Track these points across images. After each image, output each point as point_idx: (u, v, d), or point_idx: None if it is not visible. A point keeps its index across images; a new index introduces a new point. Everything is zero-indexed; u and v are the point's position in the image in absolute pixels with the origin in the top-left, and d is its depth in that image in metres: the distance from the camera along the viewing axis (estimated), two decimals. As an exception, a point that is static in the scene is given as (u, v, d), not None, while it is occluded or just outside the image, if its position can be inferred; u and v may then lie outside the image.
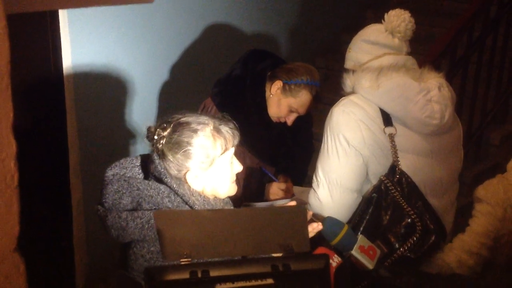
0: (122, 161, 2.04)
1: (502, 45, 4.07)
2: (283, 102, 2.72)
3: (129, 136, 3.53)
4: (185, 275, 1.09)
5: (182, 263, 1.18)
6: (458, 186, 2.51)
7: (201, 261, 1.23)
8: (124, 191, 1.94)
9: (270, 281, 1.10)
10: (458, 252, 2.33)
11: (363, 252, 2.10)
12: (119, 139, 3.55)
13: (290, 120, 2.77)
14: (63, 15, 3.12)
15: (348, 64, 2.40)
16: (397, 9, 2.34)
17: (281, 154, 2.92)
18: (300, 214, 1.19)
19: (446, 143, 2.37)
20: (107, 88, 3.48)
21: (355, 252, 2.09)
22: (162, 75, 3.72)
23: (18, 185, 0.60)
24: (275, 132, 2.84)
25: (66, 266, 3.47)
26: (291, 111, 2.74)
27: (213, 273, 1.10)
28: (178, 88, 3.78)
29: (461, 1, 4.87)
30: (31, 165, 3.14)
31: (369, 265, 2.11)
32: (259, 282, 1.09)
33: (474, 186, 2.48)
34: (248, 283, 1.10)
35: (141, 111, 3.59)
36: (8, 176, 0.58)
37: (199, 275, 1.09)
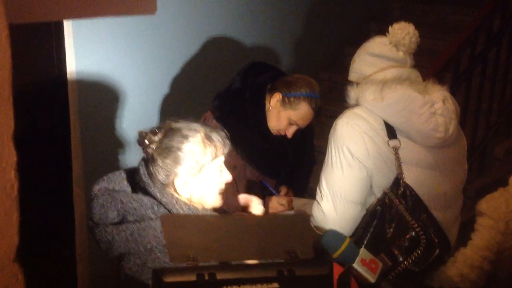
0: (110, 175, 2.07)
1: (505, 58, 4.07)
2: (282, 115, 2.71)
3: (133, 146, 3.53)
4: (192, 277, 1.11)
5: (188, 266, 1.20)
6: (462, 199, 2.50)
7: (207, 264, 1.24)
8: (109, 205, 1.95)
9: (275, 285, 1.11)
10: (460, 266, 2.32)
11: (365, 265, 2.09)
12: (123, 150, 3.55)
13: (289, 132, 2.76)
14: (68, 24, 3.14)
15: (352, 76, 2.40)
16: (401, 22, 2.34)
17: (281, 166, 2.91)
18: (303, 221, 1.21)
19: (451, 156, 2.37)
20: (111, 98, 3.49)
21: (356, 265, 2.08)
22: (165, 85, 3.73)
23: (18, 195, 0.60)
24: (275, 145, 2.84)
25: (69, 278, 3.46)
26: (290, 123, 2.73)
27: (220, 276, 1.12)
28: (181, 98, 3.79)
29: (464, 14, 4.88)
30: (35, 176, 3.14)
31: (371, 278, 2.09)
32: (264, 286, 1.11)
33: (478, 199, 2.47)
34: (254, 287, 1.11)
35: (145, 121, 3.59)
36: (8, 185, 0.58)
37: (206, 277, 1.11)
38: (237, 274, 1.12)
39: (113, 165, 3.45)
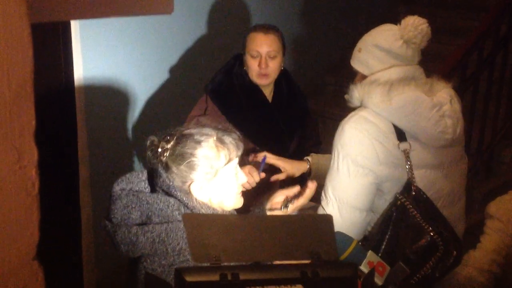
0: (128, 175, 2.05)
1: (513, 63, 4.07)
2: (247, 57, 2.86)
3: (140, 149, 3.53)
4: (215, 277, 1.10)
5: (211, 265, 1.19)
6: (465, 194, 2.49)
7: (230, 264, 1.24)
8: (133, 206, 1.94)
9: (299, 286, 1.11)
10: (469, 269, 2.31)
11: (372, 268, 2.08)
12: (130, 153, 3.56)
13: (262, 67, 2.83)
14: (75, 28, 3.14)
15: (357, 65, 2.35)
16: (415, 18, 2.29)
17: (273, 135, 2.94)
18: (327, 222, 1.19)
19: (455, 153, 2.36)
20: (118, 101, 3.49)
21: (363, 267, 2.07)
22: (172, 89, 3.73)
23: (38, 193, 0.60)
24: (266, 112, 2.93)
25: (75, 282, 3.46)
26: (252, 56, 2.84)
27: (243, 276, 1.11)
28: (189, 102, 3.77)
29: (470, 19, 4.87)
30: (41, 180, 3.14)
31: (378, 281, 2.09)
32: (288, 287, 1.10)
33: (485, 203, 2.47)
34: None
35: (152, 125, 3.59)
36: (29, 183, 0.58)
37: (229, 277, 1.10)
38: (260, 275, 1.12)
39: (120, 168, 3.44)
